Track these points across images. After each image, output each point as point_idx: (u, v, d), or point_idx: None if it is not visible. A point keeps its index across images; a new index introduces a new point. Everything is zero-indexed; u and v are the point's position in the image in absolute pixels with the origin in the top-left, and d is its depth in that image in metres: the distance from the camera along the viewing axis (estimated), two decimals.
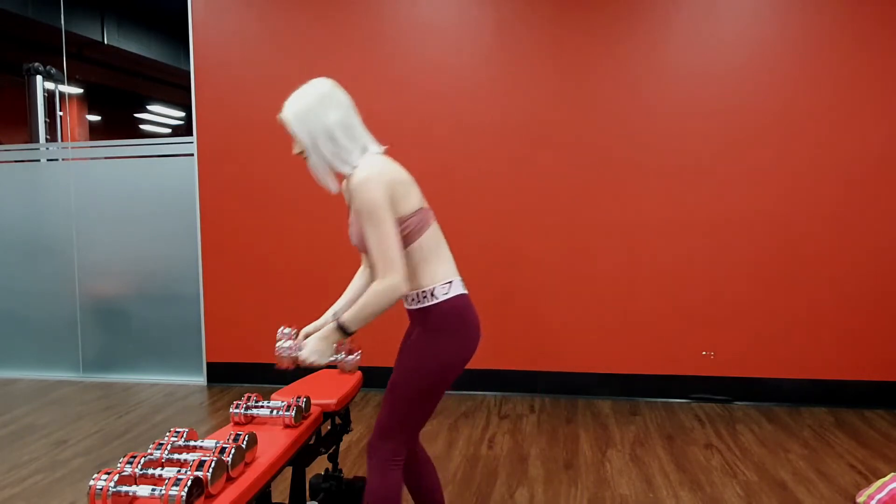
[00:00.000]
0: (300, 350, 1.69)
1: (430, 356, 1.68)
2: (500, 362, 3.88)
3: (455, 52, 3.78)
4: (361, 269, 2.01)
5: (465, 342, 1.71)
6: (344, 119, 1.67)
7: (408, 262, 1.67)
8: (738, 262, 3.63)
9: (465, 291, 1.74)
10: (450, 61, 3.78)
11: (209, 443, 1.61)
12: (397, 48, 3.82)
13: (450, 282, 1.70)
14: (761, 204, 3.59)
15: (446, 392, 3.93)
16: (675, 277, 3.69)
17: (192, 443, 1.64)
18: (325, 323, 1.90)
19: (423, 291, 1.69)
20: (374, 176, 1.60)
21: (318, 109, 1.66)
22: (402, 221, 1.65)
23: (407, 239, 1.66)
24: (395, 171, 1.67)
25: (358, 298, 1.82)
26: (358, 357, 1.78)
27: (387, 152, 1.75)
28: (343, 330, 1.64)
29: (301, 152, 1.72)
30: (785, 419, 3.42)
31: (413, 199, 1.69)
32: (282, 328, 1.86)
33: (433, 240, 1.71)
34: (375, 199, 1.58)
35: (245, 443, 1.60)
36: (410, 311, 1.77)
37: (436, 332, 1.69)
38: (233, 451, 1.52)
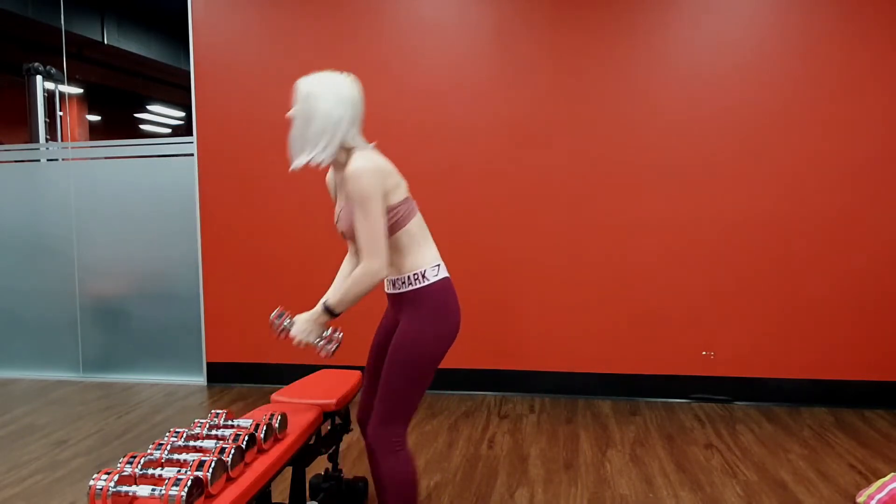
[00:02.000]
0: (291, 325, 1.80)
1: (425, 339, 1.75)
2: (500, 362, 3.89)
3: (455, 50, 3.78)
4: (348, 256, 2.09)
5: (452, 324, 1.80)
6: (351, 117, 1.76)
7: (398, 247, 1.78)
8: (738, 261, 3.63)
9: (449, 276, 1.84)
10: (450, 60, 3.78)
11: (209, 443, 1.61)
12: (397, 47, 3.82)
13: (438, 265, 1.81)
14: (761, 203, 3.59)
15: (447, 392, 3.94)
16: (676, 277, 3.69)
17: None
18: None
19: (415, 274, 1.77)
20: (370, 168, 1.68)
21: (331, 99, 1.73)
22: (392, 209, 1.75)
23: (397, 224, 1.76)
24: (386, 165, 1.75)
25: None
26: (333, 346, 1.83)
27: (377, 147, 1.86)
28: (330, 312, 1.75)
29: (294, 118, 1.78)
30: (785, 419, 3.42)
31: (401, 189, 1.79)
32: (278, 308, 1.90)
33: (420, 227, 1.82)
34: (369, 188, 1.67)
35: (245, 442, 1.60)
36: (397, 296, 1.83)
37: (428, 314, 1.76)
38: (233, 451, 1.52)
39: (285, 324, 1.82)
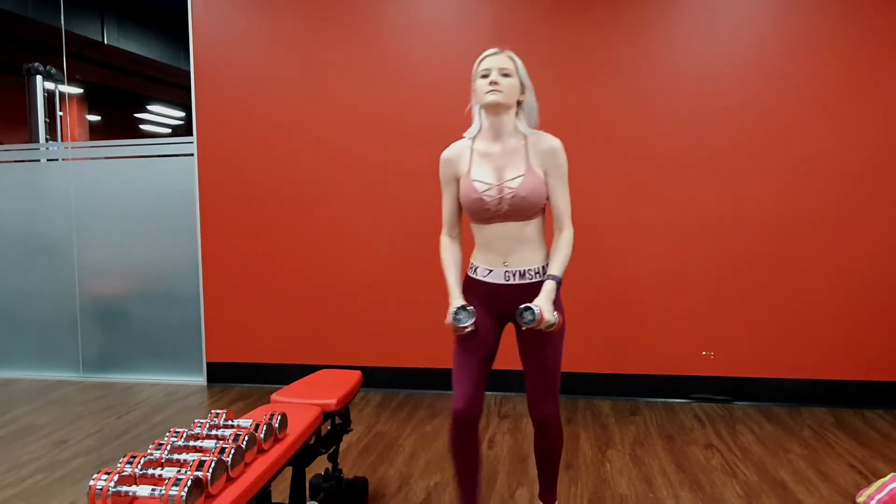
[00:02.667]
0: (545, 316, 1.82)
1: (564, 321, 1.97)
2: (501, 362, 3.85)
3: (455, 50, 3.78)
4: (449, 242, 2.09)
5: None
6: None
7: (543, 233, 1.95)
8: (738, 261, 3.63)
9: None
10: (450, 60, 3.78)
11: (209, 443, 1.61)
12: (397, 47, 3.82)
13: None
14: (761, 203, 3.58)
15: (447, 392, 3.94)
16: (676, 277, 3.68)
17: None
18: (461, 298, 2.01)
19: (545, 266, 1.95)
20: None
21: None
22: None
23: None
24: None
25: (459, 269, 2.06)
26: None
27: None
28: (559, 284, 1.90)
29: (507, 75, 1.89)
30: (785, 419, 3.42)
31: None
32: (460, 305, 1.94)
33: None
34: (567, 163, 1.91)
35: (245, 442, 1.60)
36: (529, 286, 1.93)
37: (559, 299, 1.94)
38: (233, 451, 1.52)
39: (534, 317, 1.81)
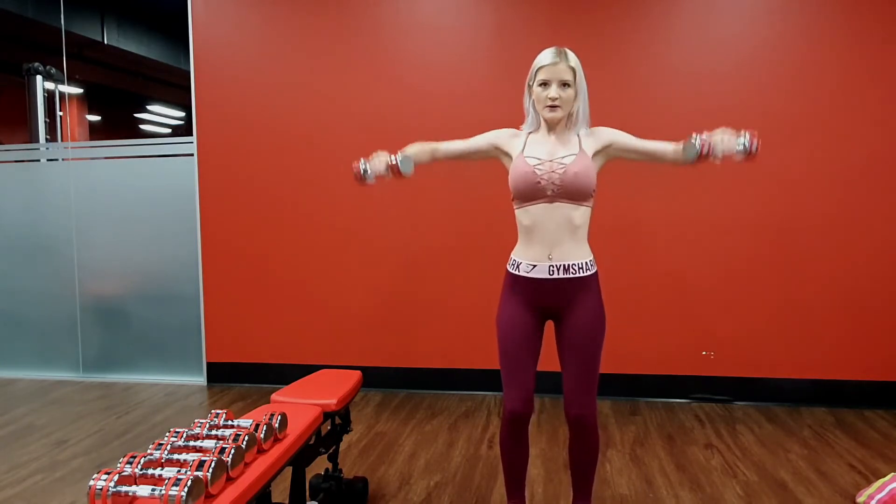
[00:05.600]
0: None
1: (605, 316, 2.04)
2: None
3: (456, 51, 3.78)
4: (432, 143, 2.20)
5: None
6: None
7: (588, 229, 2.03)
8: (737, 261, 3.63)
9: None
10: (451, 60, 3.78)
11: (209, 443, 1.61)
12: (398, 48, 3.82)
13: None
14: (762, 203, 3.58)
15: (447, 392, 3.94)
16: (676, 277, 3.68)
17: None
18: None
19: (591, 260, 2.03)
20: None
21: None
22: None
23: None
24: None
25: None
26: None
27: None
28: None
29: (567, 85, 1.91)
30: (785, 419, 3.42)
31: None
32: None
33: None
34: None
35: (245, 442, 1.60)
36: (572, 280, 1.98)
37: (600, 294, 2.04)
38: (233, 451, 1.52)
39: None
